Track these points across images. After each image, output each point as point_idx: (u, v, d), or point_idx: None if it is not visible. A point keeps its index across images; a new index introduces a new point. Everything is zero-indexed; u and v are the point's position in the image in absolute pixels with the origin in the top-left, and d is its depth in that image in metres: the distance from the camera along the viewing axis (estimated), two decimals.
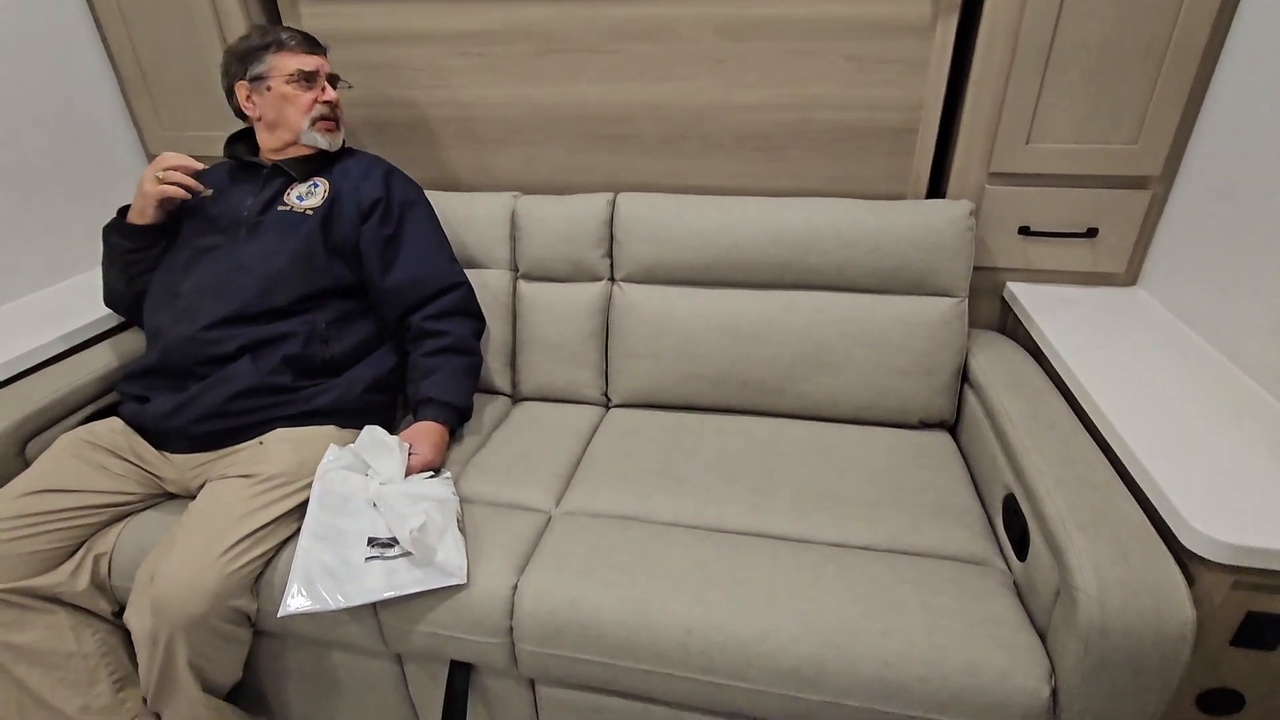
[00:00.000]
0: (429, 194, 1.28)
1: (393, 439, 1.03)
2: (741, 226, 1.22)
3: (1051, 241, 1.26)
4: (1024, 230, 1.26)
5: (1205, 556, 0.73)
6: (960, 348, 1.19)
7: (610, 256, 1.30)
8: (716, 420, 1.24)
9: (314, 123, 1.16)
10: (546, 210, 1.30)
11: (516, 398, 1.37)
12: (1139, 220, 1.22)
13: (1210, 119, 1.10)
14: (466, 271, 1.27)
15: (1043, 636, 0.82)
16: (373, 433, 1.04)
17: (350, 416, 1.11)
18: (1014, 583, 0.90)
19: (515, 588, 0.90)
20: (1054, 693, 0.77)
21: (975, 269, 1.29)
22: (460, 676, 0.96)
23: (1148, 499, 0.82)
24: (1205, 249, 1.10)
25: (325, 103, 1.17)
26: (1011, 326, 1.31)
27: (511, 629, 0.90)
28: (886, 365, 1.18)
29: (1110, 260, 1.27)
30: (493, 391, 1.35)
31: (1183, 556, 0.76)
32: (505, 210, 1.33)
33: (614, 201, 1.29)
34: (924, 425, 1.22)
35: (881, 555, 0.93)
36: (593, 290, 1.30)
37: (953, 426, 1.24)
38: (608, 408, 1.34)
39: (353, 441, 1.04)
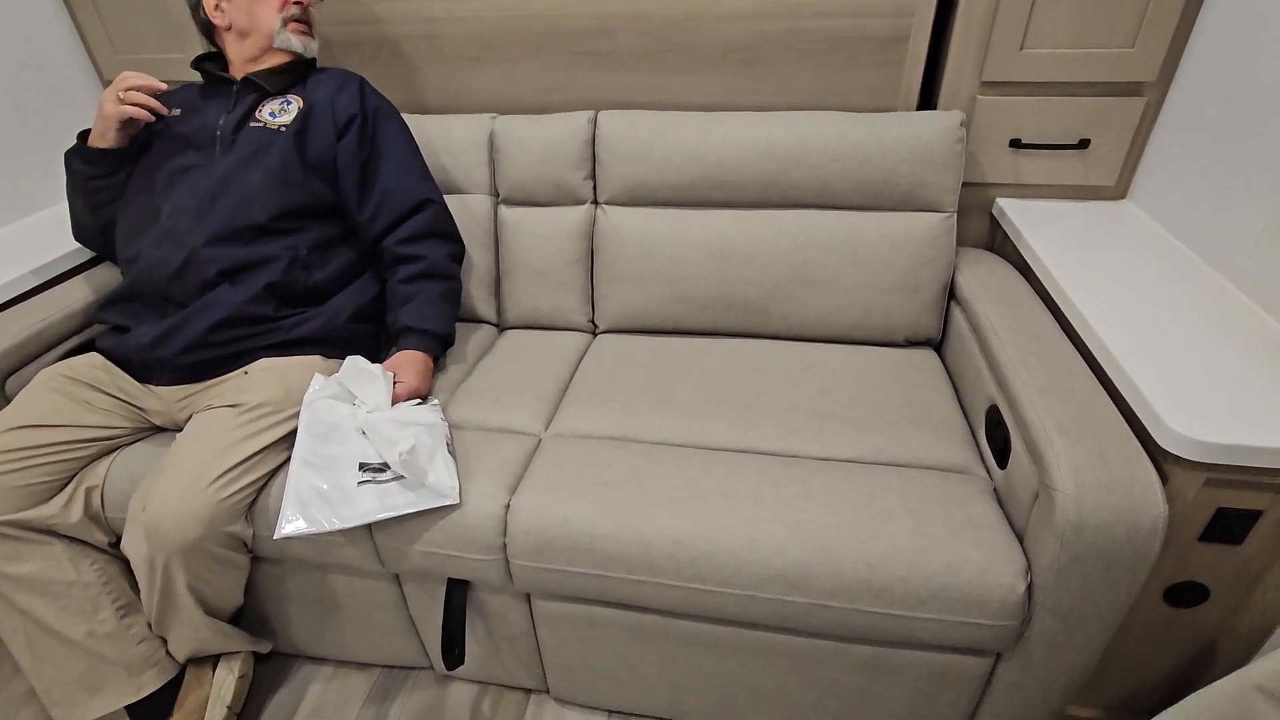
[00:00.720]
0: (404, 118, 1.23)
1: (376, 368, 1.02)
2: (726, 143, 1.18)
3: (1042, 155, 1.24)
4: (1015, 143, 1.24)
5: (1180, 455, 0.75)
6: (948, 264, 1.18)
7: (593, 178, 1.27)
8: (704, 343, 1.24)
9: (286, 23, 1.11)
10: (525, 131, 1.25)
11: (502, 326, 1.36)
12: (1132, 129, 1.19)
13: (1209, 20, 1.06)
14: (447, 198, 1.24)
15: (1020, 538, 0.84)
16: (355, 362, 1.03)
17: (335, 346, 1.10)
18: (994, 490, 0.93)
19: (508, 506, 0.92)
20: (1029, 588, 0.80)
21: (965, 185, 1.27)
22: (458, 594, 0.98)
23: (1127, 403, 0.83)
24: (1197, 158, 1.08)
25: (297, 3, 1.12)
26: (1000, 243, 1.30)
27: (505, 546, 0.91)
28: (873, 283, 1.17)
29: (1101, 173, 1.25)
30: (477, 320, 1.34)
31: (1158, 456, 0.78)
32: (483, 132, 1.28)
33: (595, 120, 1.25)
34: (910, 343, 1.23)
35: (867, 468, 0.95)
36: (576, 214, 1.27)
37: (939, 345, 1.25)
38: (595, 334, 1.33)
39: (338, 371, 1.03)
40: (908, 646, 0.88)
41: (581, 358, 1.25)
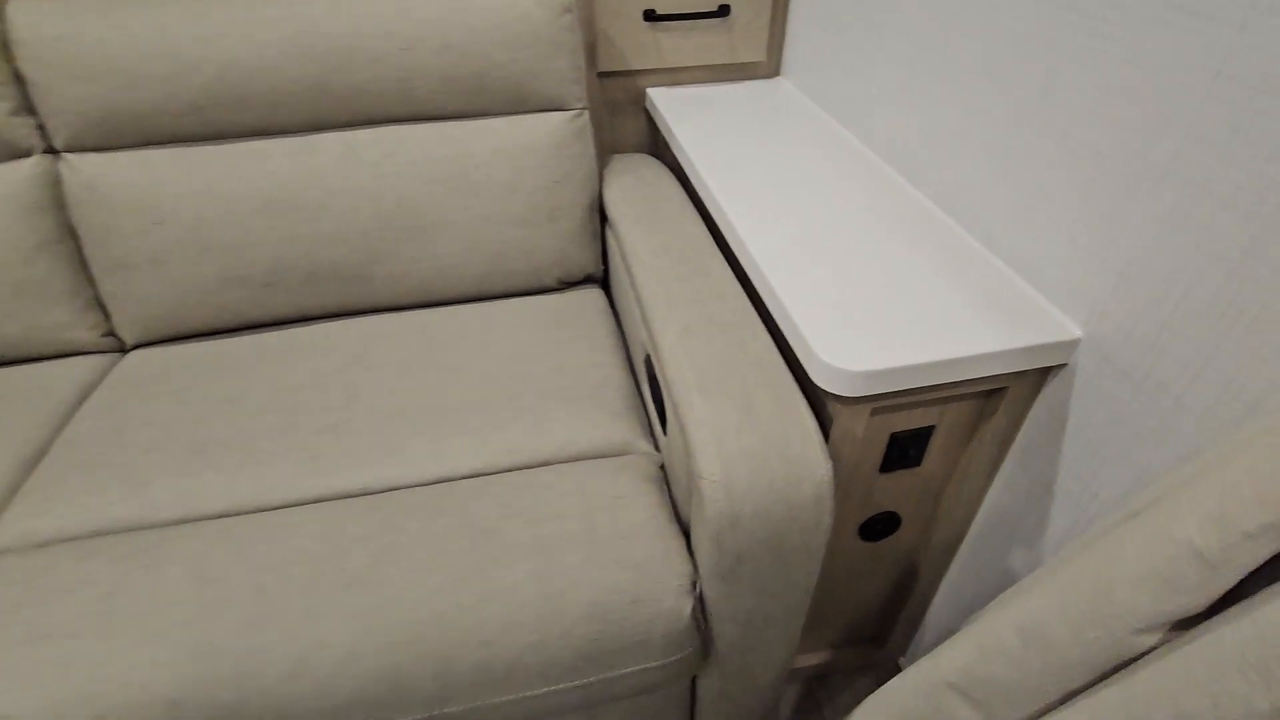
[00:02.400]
0: None
1: None
2: (240, 36, 0.78)
3: (684, 29, 1.02)
4: (650, 15, 1.00)
5: (839, 393, 0.58)
6: (587, 177, 0.92)
7: (31, 113, 0.79)
8: (287, 336, 0.87)
9: None
10: None
11: None
12: None
13: None
14: None
15: (688, 533, 0.64)
16: None
17: None
18: (661, 466, 0.72)
19: None
20: (700, 600, 0.61)
21: (607, 75, 1.03)
22: None
23: (783, 334, 0.65)
24: (836, 25, 0.92)
25: None
26: (663, 145, 1.09)
27: None
28: (498, 216, 0.88)
29: (749, 48, 1.07)
30: None
31: (817, 395, 0.61)
32: None
33: None
34: (566, 285, 0.97)
35: (490, 481, 0.68)
36: (18, 173, 0.79)
37: (604, 279, 1.01)
38: (124, 351, 0.89)
39: None
40: (576, 711, 0.66)
41: (84, 399, 0.81)
